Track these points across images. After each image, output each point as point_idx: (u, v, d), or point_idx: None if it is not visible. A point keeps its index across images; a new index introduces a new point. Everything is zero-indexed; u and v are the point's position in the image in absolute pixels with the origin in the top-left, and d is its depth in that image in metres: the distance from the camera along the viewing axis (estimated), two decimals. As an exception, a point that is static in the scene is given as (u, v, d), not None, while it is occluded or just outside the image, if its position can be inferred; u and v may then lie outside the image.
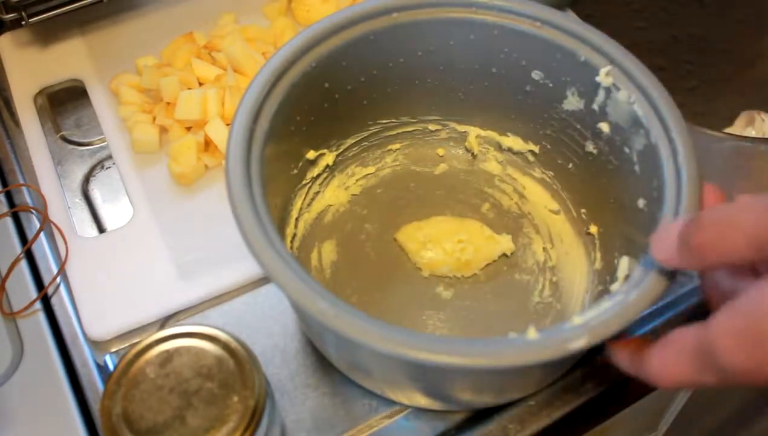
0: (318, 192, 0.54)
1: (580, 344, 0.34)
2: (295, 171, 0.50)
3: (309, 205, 0.53)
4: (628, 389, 0.50)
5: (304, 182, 0.52)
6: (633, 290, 0.36)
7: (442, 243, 0.51)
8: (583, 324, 0.35)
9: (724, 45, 0.88)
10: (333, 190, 0.54)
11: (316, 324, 0.42)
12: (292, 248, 0.51)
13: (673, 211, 0.39)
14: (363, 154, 0.55)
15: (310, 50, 0.46)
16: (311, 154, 0.51)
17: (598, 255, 0.49)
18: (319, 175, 0.53)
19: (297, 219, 0.52)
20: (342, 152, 0.54)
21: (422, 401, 0.45)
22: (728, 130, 0.76)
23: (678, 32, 0.90)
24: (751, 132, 0.77)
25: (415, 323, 0.49)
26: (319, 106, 0.49)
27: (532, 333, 0.35)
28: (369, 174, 0.56)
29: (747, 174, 0.58)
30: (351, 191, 0.55)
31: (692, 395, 0.73)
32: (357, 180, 0.55)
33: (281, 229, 0.49)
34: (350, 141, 0.54)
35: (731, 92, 0.86)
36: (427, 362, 0.34)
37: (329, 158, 0.53)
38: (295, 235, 0.51)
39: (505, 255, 0.52)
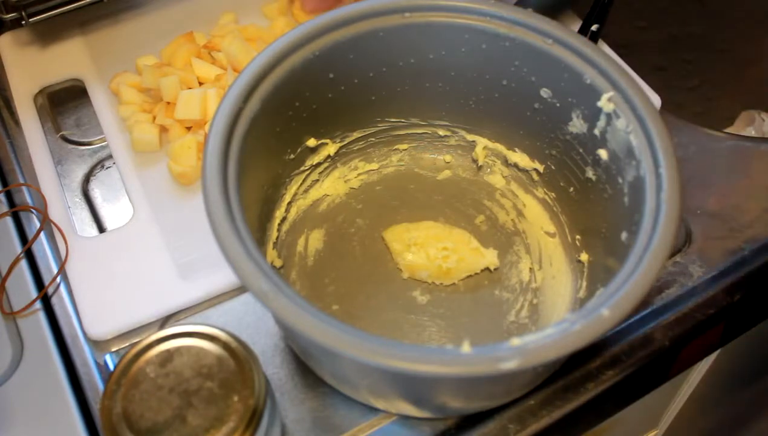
0: (317, 180, 0.54)
1: (510, 365, 0.34)
2: (292, 156, 0.50)
3: (306, 191, 0.53)
4: (628, 389, 0.50)
5: (302, 168, 0.52)
6: (580, 320, 0.35)
7: (427, 248, 0.51)
8: (519, 346, 0.34)
9: (724, 45, 0.89)
10: (332, 181, 0.54)
11: (283, 327, 0.42)
12: (280, 231, 0.51)
13: (643, 247, 0.38)
14: (368, 150, 0.55)
15: (315, 39, 0.46)
16: (312, 142, 0.51)
17: (584, 284, 0.49)
18: (319, 164, 0.53)
19: (290, 203, 0.52)
20: (346, 145, 0.54)
21: (403, 407, 0.45)
22: (728, 130, 0.76)
23: (678, 32, 0.91)
24: (751, 132, 0.77)
25: (384, 322, 0.49)
26: (322, 95, 0.49)
27: (466, 347, 0.35)
28: (372, 170, 0.56)
29: (747, 174, 0.58)
30: (350, 184, 0.55)
31: (692, 395, 0.73)
32: (359, 174, 0.56)
33: (268, 212, 0.49)
34: (356, 135, 0.54)
35: (731, 92, 0.86)
36: (356, 359, 0.34)
37: (331, 148, 0.53)
38: (285, 218, 0.52)
39: (488, 269, 0.51)
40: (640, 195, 0.41)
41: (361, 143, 0.55)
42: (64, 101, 0.64)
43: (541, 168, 0.53)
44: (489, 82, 0.50)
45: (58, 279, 0.53)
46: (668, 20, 0.90)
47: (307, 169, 0.52)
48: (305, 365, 0.47)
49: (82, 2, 0.64)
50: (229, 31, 0.63)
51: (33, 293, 0.52)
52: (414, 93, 0.52)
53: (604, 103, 0.44)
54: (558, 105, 0.48)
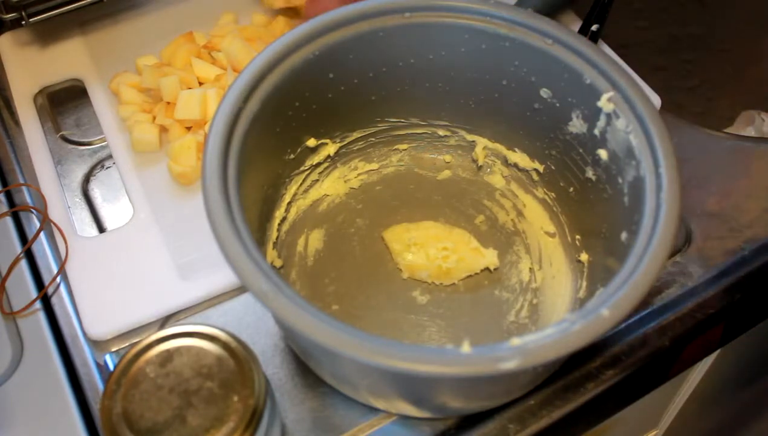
0: (317, 180, 0.54)
1: (510, 365, 0.34)
2: (292, 156, 0.50)
3: (305, 191, 0.53)
4: (628, 389, 0.50)
5: (302, 169, 0.52)
6: (580, 320, 0.35)
7: (426, 248, 0.51)
8: (519, 346, 0.34)
9: (724, 45, 0.89)
10: (332, 181, 0.55)
11: (284, 327, 0.42)
12: (279, 231, 0.51)
13: (643, 247, 0.38)
14: (368, 150, 0.55)
15: (315, 39, 0.46)
16: (312, 142, 0.51)
17: (584, 284, 0.49)
18: (319, 164, 0.53)
19: (290, 203, 0.52)
20: (346, 145, 0.54)
21: (403, 407, 0.45)
22: (728, 130, 0.76)
23: (678, 32, 0.91)
24: (751, 132, 0.77)
25: (384, 322, 0.49)
26: (322, 95, 0.49)
27: (466, 347, 0.35)
28: (371, 170, 0.56)
29: (747, 174, 0.58)
30: (350, 184, 0.55)
31: (692, 395, 0.73)
32: (358, 174, 0.56)
33: (268, 212, 0.49)
34: (356, 135, 0.54)
35: (731, 92, 0.86)
36: (356, 359, 0.34)
37: (331, 149, 0.53)
38: (285, 218, 0.52)
39: (488, 269, 0.51)
40: (640, 195, 0.41)
41: (361, 143, 0.55)
42: (64, 101, 0.64)
43: (541, 168, 0.52)
44: (489, 82, 0.50)
45: (58, 279, 0.53)
46: (668, 20, 0.90)
47: (307, 169, 0.52)
48: (305, 365, 0.47)
49: (82, 2, 0.64)
50: (229, 31, 0.63)
51: (33, 293, 0.52)
52: (413, 93, 0.52)
53: (604, 103, 0.44)
54: (558, 105, 0.48)
